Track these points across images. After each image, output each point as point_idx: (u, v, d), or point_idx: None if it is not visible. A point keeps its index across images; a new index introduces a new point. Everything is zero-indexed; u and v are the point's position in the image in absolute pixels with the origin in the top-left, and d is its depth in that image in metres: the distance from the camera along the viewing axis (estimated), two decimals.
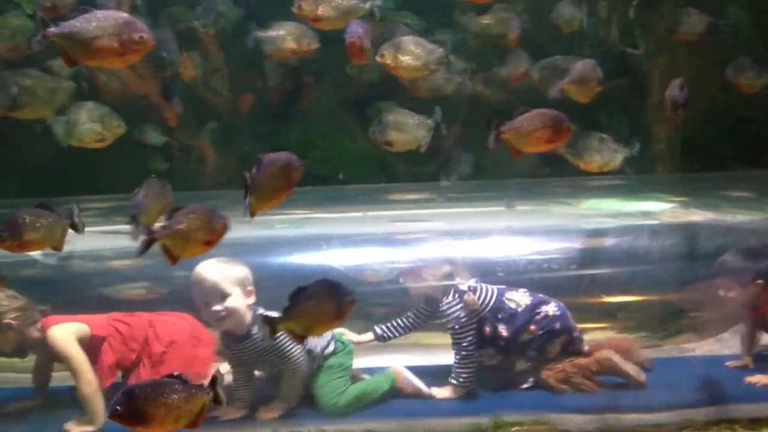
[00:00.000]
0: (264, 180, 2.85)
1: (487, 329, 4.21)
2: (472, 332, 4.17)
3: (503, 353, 4.24)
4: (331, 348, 4.11)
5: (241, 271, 3.93)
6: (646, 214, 5.31)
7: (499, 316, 4.22)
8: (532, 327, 4.20)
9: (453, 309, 4.18)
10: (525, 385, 4.18)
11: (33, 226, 3.07)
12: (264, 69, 6.09)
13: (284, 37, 4.85)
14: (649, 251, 4.94)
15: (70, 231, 3.22)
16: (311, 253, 4.68)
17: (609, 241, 5.03)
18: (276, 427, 3.87)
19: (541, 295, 4.31)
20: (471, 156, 6.03)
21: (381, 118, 4.48)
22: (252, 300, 3.93)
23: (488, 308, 4.22)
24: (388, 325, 4.36)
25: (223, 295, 3.85)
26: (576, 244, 4.97)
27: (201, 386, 2.59)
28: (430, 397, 4.10)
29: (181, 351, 4.10)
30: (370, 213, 5.40)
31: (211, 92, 6.26)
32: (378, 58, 4.25)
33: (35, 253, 4.77)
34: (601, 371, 4.14)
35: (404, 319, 4.38)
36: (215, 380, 2.61)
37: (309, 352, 4.01)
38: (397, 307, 4.46)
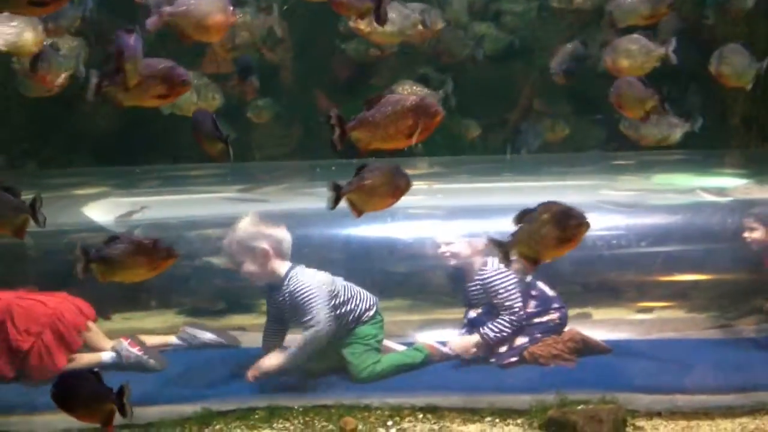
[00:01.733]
0: (382, 118, 2.78)
1: None
2: (520, 296, 4.25)
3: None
4: (371, 312, 4.19)
5: (277, 231, 4.15)
6: (719, 190, 5.16)
7: (532, 292, 4.34)
8: (555, 315, 4.32)
9: (500, 273, 4.25)
10: (513, 359, 4.21)
11: None
12: (331, 43, 6.03)
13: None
14: (721, 229, 4.80)
15: None
16: (376, 225, 4.67)
17: (679, 218, 4.90)
18: (338, 398, 3.91)
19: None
20: (540, 129, 5.91)
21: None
22: (288, 253, 4.14)
23: (526, 283, 4.33)
24: (496, 333, 4.26)
25: (255, 255, 4.09)
26: (645, 220, 4.86)
27: (110, 391, 2.75)
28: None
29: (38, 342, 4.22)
30: (435, 185, 5.36)
31: (275, 63, 6.25)
32: (351, 24, 4.14)
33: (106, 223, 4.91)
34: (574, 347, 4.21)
35: (507, 325, 4.27)
36: (123, 391, 2.75)
37: (339, 312, 4.10)
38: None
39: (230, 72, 5.69)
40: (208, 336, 4.52)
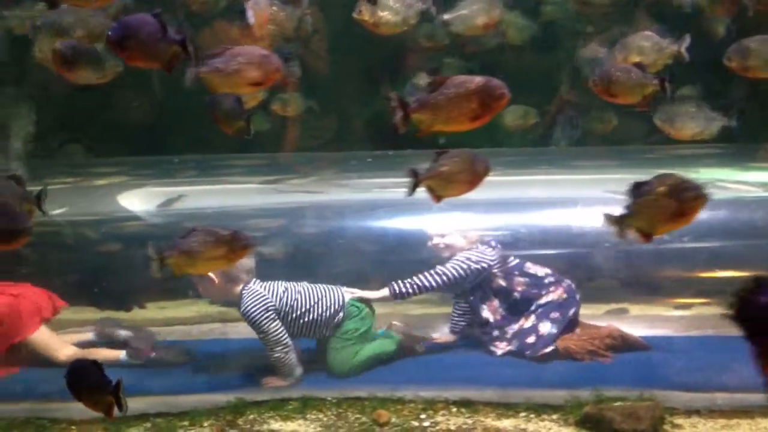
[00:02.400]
0: (445, 100, 2.70)
1: (499, 282, 4.32)
2: (473, 274, 4.28)
3: (513, 309, 4.29)
4: (339, 317, 4.19)
5: None
6: (763, 185, 5.06)
7: (516, 272, 4.34)
8: (559, 290, 4.30)
9: (466, 251, 4.32)
10: (547, 350, 4.17)
11: None
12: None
13: (475, 13, 4.64)
14: (764, 224, 4.70)
15: None
16: (409, 217, 4.65)
17: (721, 213, 4.80)
18: (371, 391, 3.91)
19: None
20: (579, 121, 5.84)
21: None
22: (244, 277, 4.17)
23: (508, 266, 4.34)
24: (406, 282, 4.26)
25: (207, 277, 4.15)
26: None
27: (109, 383, 2.79)
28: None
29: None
30: None
31: (311, 54, 6.22)
32: (355, 15, 4.11)
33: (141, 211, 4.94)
34: (612, 343, 4.18)
35: (423, 278, 4.27)
36: (119, 385, 2.78)
37: (302, 322, 4.13)
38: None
39: None
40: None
